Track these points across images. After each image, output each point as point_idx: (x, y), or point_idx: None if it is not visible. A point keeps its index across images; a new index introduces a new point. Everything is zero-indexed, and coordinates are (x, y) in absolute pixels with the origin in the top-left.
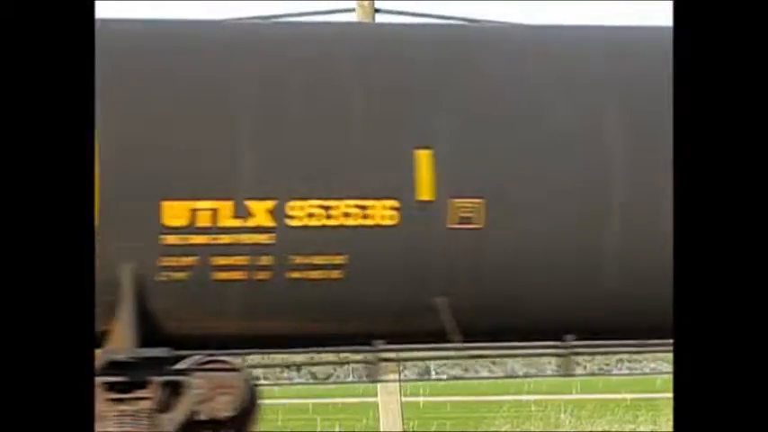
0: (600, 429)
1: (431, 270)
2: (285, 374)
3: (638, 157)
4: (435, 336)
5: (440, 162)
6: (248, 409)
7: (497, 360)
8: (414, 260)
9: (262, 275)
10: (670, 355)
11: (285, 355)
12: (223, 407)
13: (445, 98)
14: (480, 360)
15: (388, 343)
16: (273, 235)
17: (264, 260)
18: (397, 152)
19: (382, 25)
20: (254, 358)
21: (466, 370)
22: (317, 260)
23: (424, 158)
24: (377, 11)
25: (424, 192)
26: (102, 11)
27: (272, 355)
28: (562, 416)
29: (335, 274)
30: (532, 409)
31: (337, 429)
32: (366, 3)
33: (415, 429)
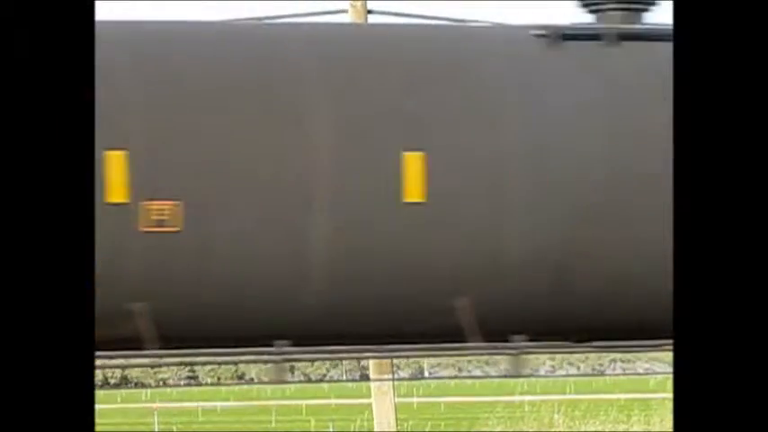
0: (593, 429)
1: (126, 274)
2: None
3: (346, 153)
4: (133, 342)
5: (134, 163)
6: None
7: (490, 360)
8: (108, 264)
9: None
10: (663, 355)
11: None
12: None
13: (139, 98)
14: (474, 361)
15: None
16: None
17: None
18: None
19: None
20: (250, 358)
21: (459, 370)
22: None
23: (116, 160)
24: (369, 12)
25: (116, 194)
26: (103, 11)
27: (264, 355)
28: (555, 416)
29: None
30: (526, 409)
31: (331, 430)
32: (358, 3)
33: (410, 430)
